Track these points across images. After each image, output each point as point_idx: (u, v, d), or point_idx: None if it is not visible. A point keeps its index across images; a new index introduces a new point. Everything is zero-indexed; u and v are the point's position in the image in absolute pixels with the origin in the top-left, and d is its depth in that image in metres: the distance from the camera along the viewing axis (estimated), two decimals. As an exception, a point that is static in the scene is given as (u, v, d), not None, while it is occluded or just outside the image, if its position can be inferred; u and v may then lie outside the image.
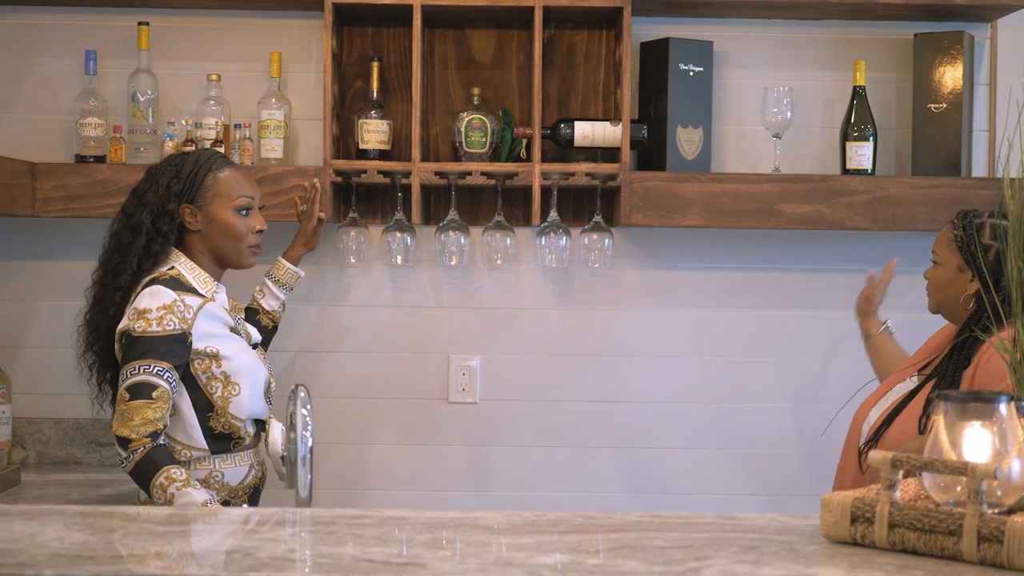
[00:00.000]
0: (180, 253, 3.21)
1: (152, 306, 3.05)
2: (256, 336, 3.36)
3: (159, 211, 3.18)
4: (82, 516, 2.12)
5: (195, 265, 3.21)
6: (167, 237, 3.19)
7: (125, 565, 1.82)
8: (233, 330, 3.21)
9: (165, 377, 3.01)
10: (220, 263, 3.27)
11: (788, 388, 4.10)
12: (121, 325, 3.09)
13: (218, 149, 3.75)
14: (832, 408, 3.51)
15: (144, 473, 2.97)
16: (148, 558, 1.88)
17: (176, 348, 3.05)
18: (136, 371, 3.01)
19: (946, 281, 3.14)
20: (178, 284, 3.11)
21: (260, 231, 3.27)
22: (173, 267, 3.16)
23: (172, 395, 3.04)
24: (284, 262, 3.63)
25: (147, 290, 3.08)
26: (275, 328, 3.65)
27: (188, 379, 3.11)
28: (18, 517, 2.11)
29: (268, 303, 3.62)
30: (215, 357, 3.13)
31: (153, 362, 3.01)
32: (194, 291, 3.14)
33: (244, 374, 3.17)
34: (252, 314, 3.57)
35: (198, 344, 3.10)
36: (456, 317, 4.08)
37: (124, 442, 2.98)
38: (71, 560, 1.83)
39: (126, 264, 3.16)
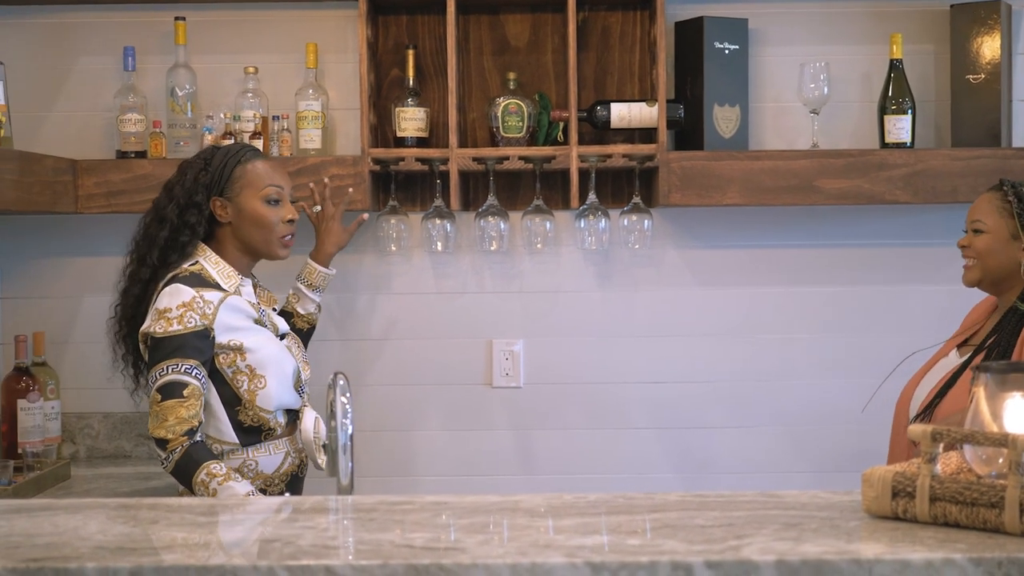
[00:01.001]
0: (206, 247, 3.22)
1: (172, 305, 3.06)
2: (283, 326, 3.36)
3: (187, 203, 3.20)
4: (124, 508, 2.13)
5: (220, 259, 3.22)
6: (194, 229, 3.20)
7: (166, 556, 1.84)
8: (258, 322, 3.21)
9: (194, 374, 3.04)
10: (252, 255, 3.28)
11: (830, 364, 4.10)
12: (144, 326, 3.11)
13: (256, 141, 3.78)
14: (874, 383, 3.50)
15: (185, 471, 3.00)
16: (189, 548, 1.90)
17: (200, 344, 3.06)
18: (165, 371, 3.03)
19: (998, 248, 3.13)
20: (199, 280, 3.12)
21: (291, 220, 3.27)
22: (197, 262, 3.18)
23: (203, 391, 3.06)
24: (315, 265, 3.62)
25: (167, 289, 3.10)
26: (312, 329, 3.66)
27: (214, 374, 3.13)
28: (63, 511, 2.13)
29: (303, 307, 3.63)
30: (239, 350, 3.14)
31: (180, 360, 3.03)
32: (216, 286, 3.15)
33: (270, 366, 3.18)
34: (287, 317, 3.54)
35: (221, 338, 3.11)
36: (498, 302, 4.10)
37: (162, 443, 3.01)
38: (113, 552, 1.85)
39: (150, 255, 3.19)
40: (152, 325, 3.07)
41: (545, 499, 2.18)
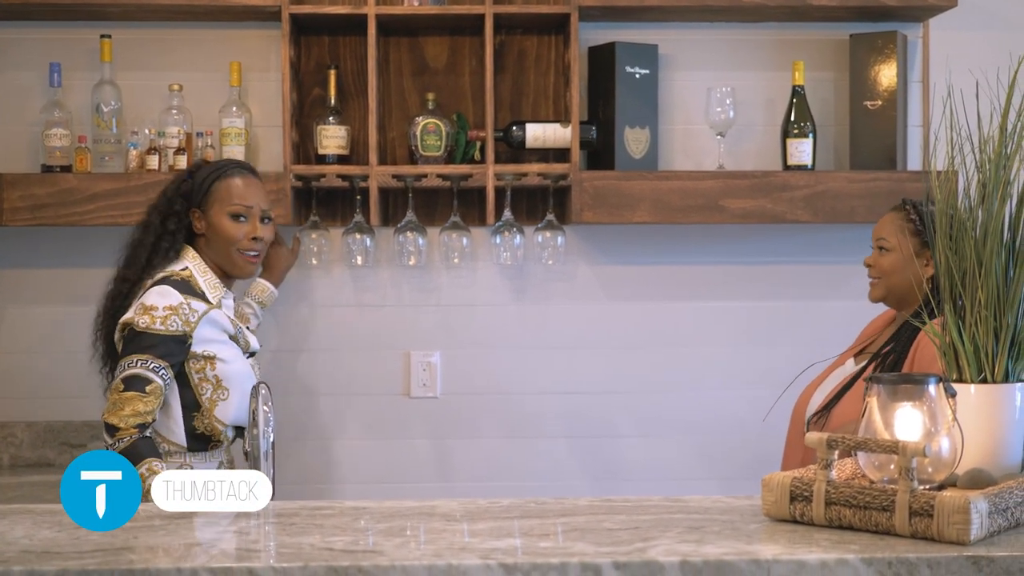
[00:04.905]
0: (196, 254, 3.30)
1: (159, 304, 3.13)
2: (255, 345, 3.43)
3: (167, 210, 3.29)
4: (50, 514, 2.15)
5: (208, 268, 3.30)
6: (174, 235, 3.28)
7: (91, 560, 1.87)
8: (233, 338, 3.29)
9: (160, 374, 3.10)
10: (221, 270, 3.34)
11: (734, 375, 4.18)
12: (126, 316, 3.17)
13: (180, 157, 3.83)
14: (775, 393, 3.47)
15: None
16: (113, 552, 1.92)
17: (175, 348, 3.14)
18: (134, 364, 3.09)
19: (902, 266, 3.19)
20: (187, 287, 3.20)
21: (255, 238, 3.34)
22: (187, 267, 3.26)
23: (164, 392, 3.12)
24: (266, 283, 3.74)
25: (156, 288, 3.17)
26: None
27: (181, 377, 3.19)
28: (-12, 517, 2.14)
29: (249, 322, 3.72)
30: (211, 359, 3.21)
31: (151, 358, 3.10)
32: (202, 296, 3.22)
33: (235, 381, 3.25)
34: None
35: (196, 348, 3.18)
36: (416, 315, 4.15)
37: (112, 429, 3.06)
38: (39, 556, 1.88)
39: (137, 259, 3.27)
40: (135, 317, 3.14)
41: (461, 504, 2.24)
